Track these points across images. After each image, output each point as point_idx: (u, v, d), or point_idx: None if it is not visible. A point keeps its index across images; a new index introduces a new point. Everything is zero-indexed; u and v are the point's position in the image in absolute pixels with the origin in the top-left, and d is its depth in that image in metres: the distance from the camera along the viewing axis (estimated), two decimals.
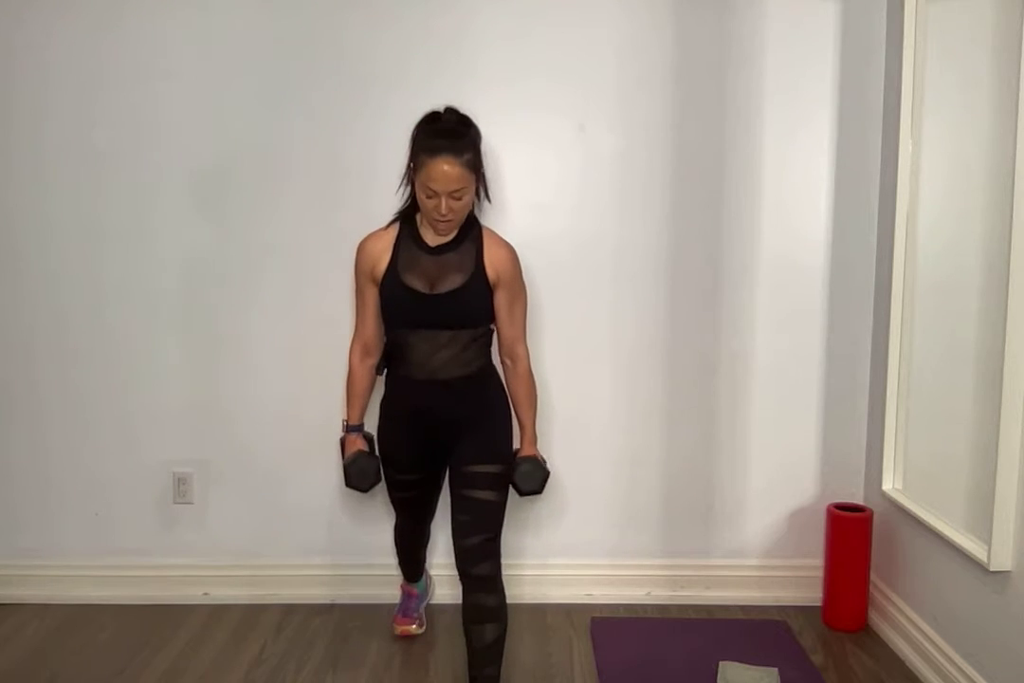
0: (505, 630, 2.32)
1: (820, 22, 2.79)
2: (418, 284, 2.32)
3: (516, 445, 2.47)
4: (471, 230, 2.38)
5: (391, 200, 2.40)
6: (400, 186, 2.38)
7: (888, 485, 2.72)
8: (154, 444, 2.95)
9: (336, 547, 2.98)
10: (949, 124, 2.47)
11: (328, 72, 2.80)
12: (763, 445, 2.95)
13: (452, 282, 2.32)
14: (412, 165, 2.29)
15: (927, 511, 2.51)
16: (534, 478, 2.41)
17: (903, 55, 2.58)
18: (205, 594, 2.98)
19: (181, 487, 2.96)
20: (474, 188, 2.30)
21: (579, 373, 2.91)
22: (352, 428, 2.50)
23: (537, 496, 2.47)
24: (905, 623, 2.65)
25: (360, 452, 2.45)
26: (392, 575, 2.84)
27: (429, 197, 2.24)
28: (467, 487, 2.36)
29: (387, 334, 2.43)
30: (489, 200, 2.41)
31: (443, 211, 2.24)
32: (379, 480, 2.46)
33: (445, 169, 2.20)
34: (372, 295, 2.40)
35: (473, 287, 2.33)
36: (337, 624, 2.84)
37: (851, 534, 2.78)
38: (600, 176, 2.85)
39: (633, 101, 2.82)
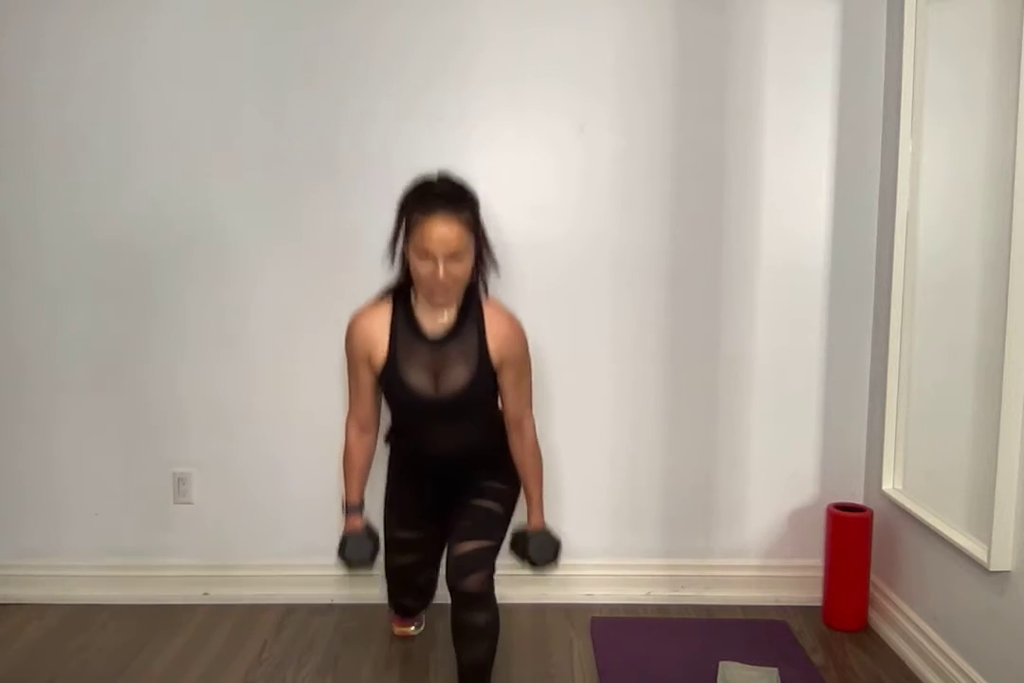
0: (495, 646, 2.28)
1: (820, 22, 2.78)
2: (421, 383, 2.20)
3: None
4: (471, 308, 2.20)
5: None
6: (389, 257, 2.20)
7: (888, 485, 2.72)
8: (154, 444, 2.95)
9: (336, 547, 2.96)
10: (949, 124, 2.46)
11: (322, 71, 2.78)
12: (763, 445, 2.95)
13: (457, 379, 2.19)
14: (403, 231, 2.10)
15: (927, 511, 2.51)
16: (547, 550, 2.31)
17: (903, 55, 2.58)
18: (205, 594, 2.99)
19: (181, 487, 2.96)
20: (473, 254, 2.12)
21: (579, 373, 2.90)
22: (352, 508, 2.35)
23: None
24: (905, 623, 2.65)
25: (363, 528, 2.33)
26: None
27: (423, 261, 2.06)
28: (473, 497, 2.35)
29: (393, 416, 2.38)
30: (496, 271, 2.21)
31: (440, 276, 2.05)
32: (372, 559, 2.31)
33: (442, 229, 2.02)
34: (367, 378, 2.26)
35: (479, 382, 2.21)
36: (337, 624, 2.84)
37: (851, 534, 2.77)
38: (600, 176, 2.84)
39: (633, 101, 2.81)
